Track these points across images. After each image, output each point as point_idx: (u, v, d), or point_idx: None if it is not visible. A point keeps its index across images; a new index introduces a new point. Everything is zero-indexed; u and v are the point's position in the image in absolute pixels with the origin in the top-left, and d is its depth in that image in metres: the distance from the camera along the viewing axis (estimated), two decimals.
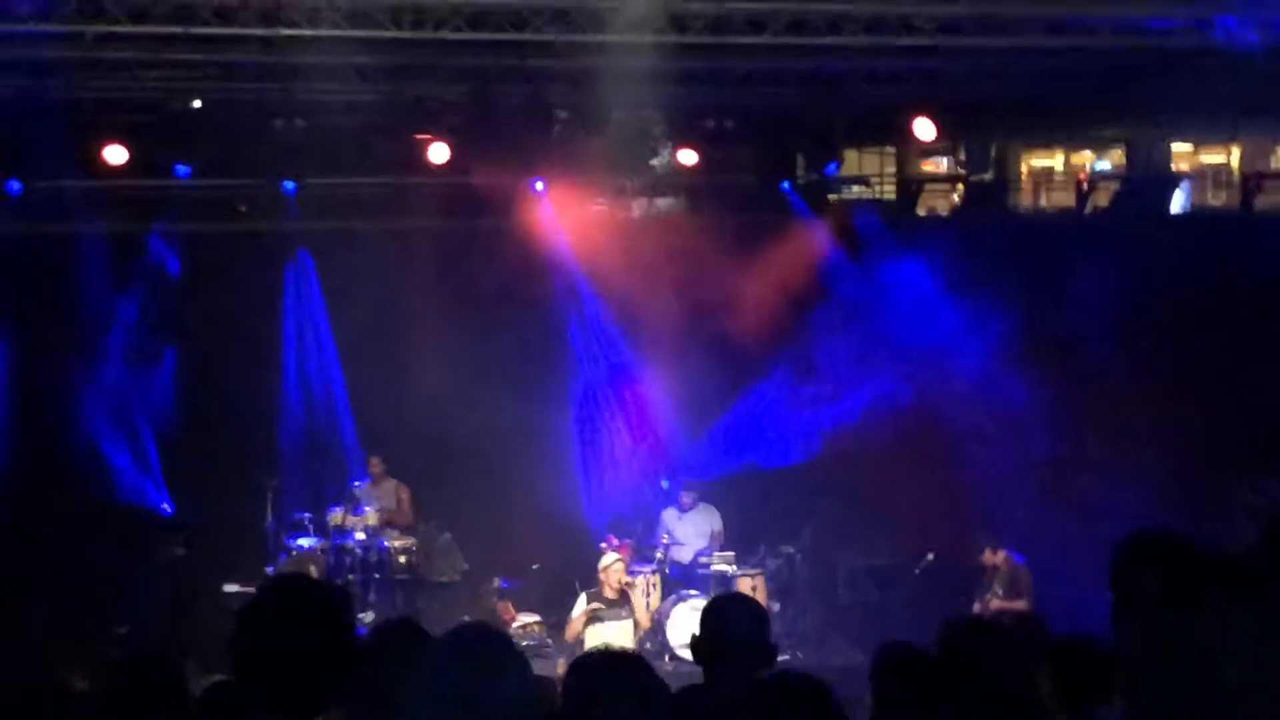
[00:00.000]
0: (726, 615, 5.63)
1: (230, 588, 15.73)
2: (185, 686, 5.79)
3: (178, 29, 12.86)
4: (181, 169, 16.24)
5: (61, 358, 16.53)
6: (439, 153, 16.30)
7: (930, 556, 16.40)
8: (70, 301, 16.26)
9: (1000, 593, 15.21)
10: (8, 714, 5.47)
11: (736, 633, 5.52)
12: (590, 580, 15.47)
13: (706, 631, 5.60)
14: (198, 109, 16.36)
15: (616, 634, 14.51)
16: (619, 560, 15.42)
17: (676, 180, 18.55)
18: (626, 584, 15.35)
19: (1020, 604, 14.80)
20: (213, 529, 16.59)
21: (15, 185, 15.64)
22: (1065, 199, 20.26)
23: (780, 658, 15.73)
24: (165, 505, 17.03)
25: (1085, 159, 23.07)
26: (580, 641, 14.73)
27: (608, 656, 4.75)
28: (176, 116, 16.21)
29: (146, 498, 16.99)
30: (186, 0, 12.58)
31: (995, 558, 15.39)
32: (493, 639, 3.54)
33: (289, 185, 16.42)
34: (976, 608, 15.39)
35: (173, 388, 17.04)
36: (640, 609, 15.40)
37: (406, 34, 13.38)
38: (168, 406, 17.03)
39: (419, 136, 16.28)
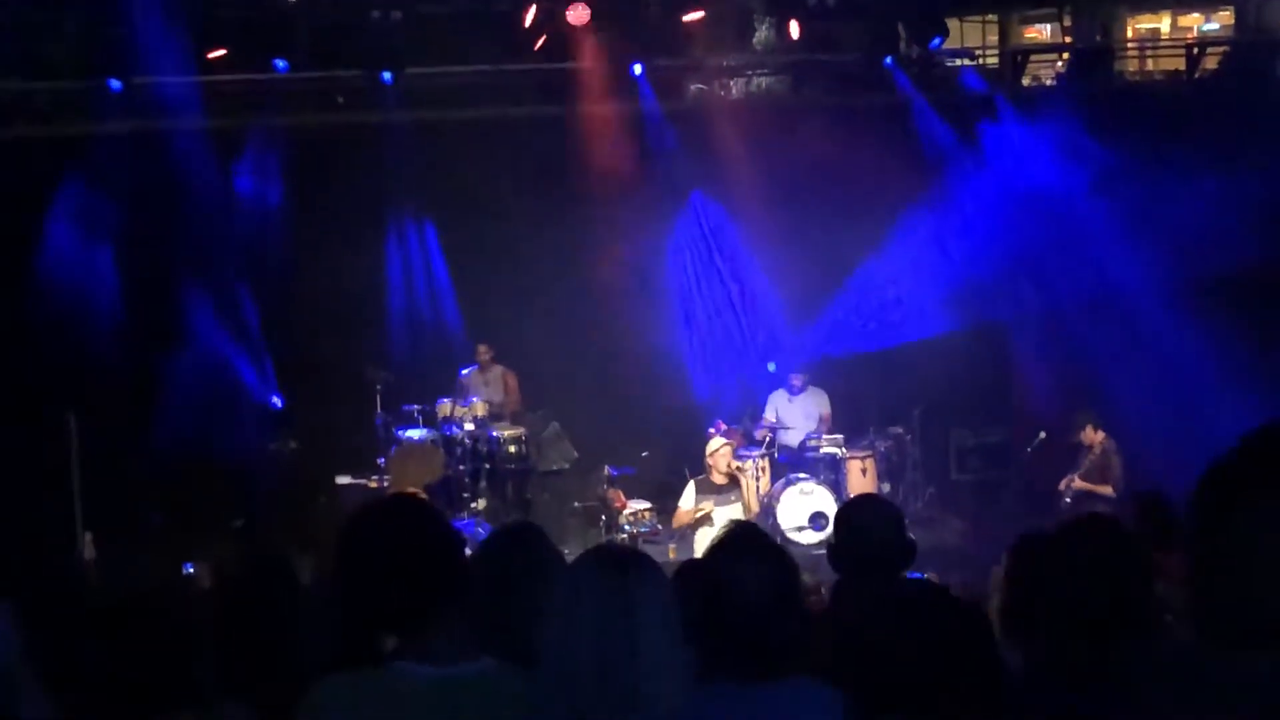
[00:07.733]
0: (861, 521, 5.56)
1: (343, 480, 15.90)
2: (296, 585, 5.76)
3: None
4: (280, 63, 16.16)
5: (167, 253, 16.50)
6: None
7: (1043, 435, 16.16)
8: (173, 197, 16.19)
9: (1083, 474, 14.95)
10: (132, 607, 5.47)
11: (874, 538, 5.46)
12: (699, 466, 15.40)
13: (842, 539, 5.53)
14: (294, 2, 16.28)
15: (726, 520, 14.35)
16: (726, 445, 15.29)
17: (777, 59, 18.22)
18: (735, 469, 15.24)
19: (1106, 489, 14.60)
20: (324, 422, 16.69)
21: (115, 84, 15.62)
22: (1174, 64, 19.69)
23: None
24: (275, 399, 17.09)
25: (1193, 21, 22.50)
26: (689, 531, 14.74)
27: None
28: (274, 10, 16.13)
29: (257, 392, 17.05)
30: None
31: (1095, 436, 15.09)
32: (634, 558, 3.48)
33: (386, 76, 16.32)
34: (1061, 485, 15.02)
35: (279, 281, 17.01)
36: (749, 493, 15.30)
37: None
38: (275, 300, 17.00)
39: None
